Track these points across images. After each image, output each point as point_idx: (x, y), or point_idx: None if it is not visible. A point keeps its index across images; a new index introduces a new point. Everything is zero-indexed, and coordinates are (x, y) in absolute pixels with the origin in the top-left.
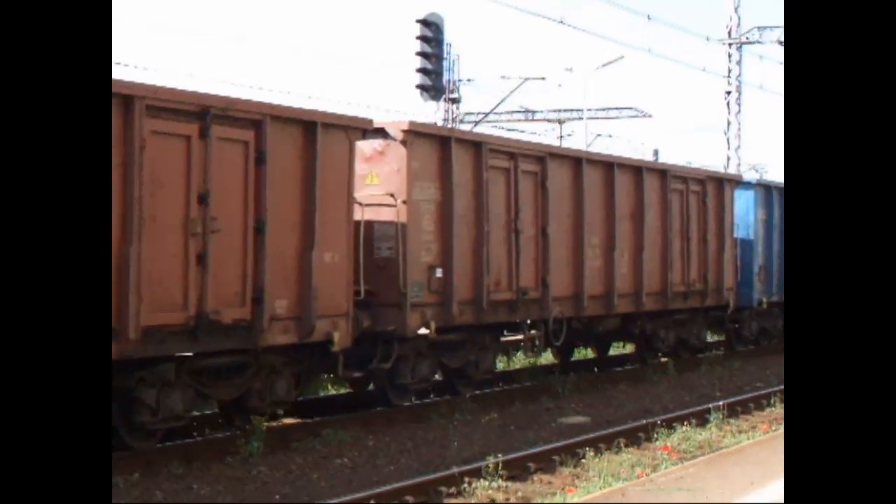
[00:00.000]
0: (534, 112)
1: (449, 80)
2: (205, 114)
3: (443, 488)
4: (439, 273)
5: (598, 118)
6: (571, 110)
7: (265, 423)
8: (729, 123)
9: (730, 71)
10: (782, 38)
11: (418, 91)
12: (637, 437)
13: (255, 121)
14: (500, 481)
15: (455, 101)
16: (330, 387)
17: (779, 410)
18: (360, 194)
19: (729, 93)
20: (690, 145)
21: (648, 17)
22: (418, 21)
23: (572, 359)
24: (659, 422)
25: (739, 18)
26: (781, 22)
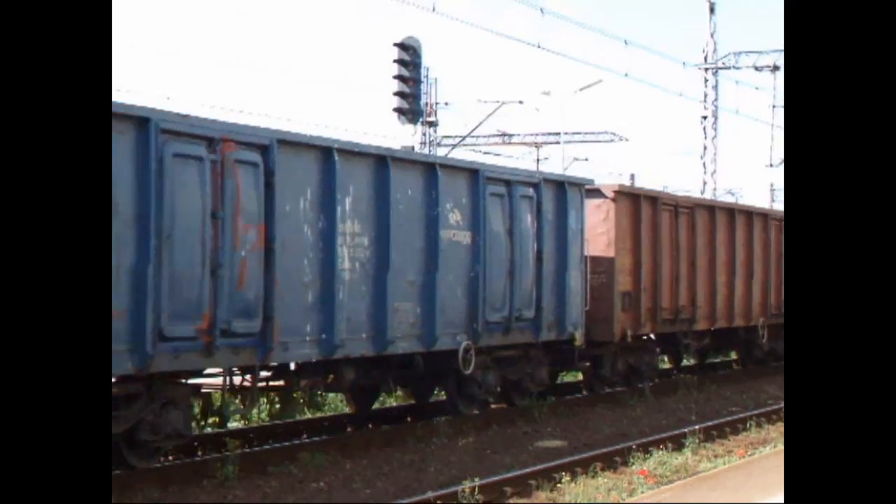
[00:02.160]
0: (511, 136)
1: (426, 104)
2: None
3: None
4: None
5: (575, 141)
6: (549, 134)
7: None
8: (705, 148)
9: (706, 96)
10: (759, 64)
11: (395, 114)
12: (613, 462)
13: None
14: None
15: (432, 124)
16: (307, 410)
17: (755, 435)
18: None
19: (705, 117)
20: (668, 169)
21: (626, 42)
22: (396, 45)
23: None
24: (635, 446)
25: (716, 44)
26: (757, 47)
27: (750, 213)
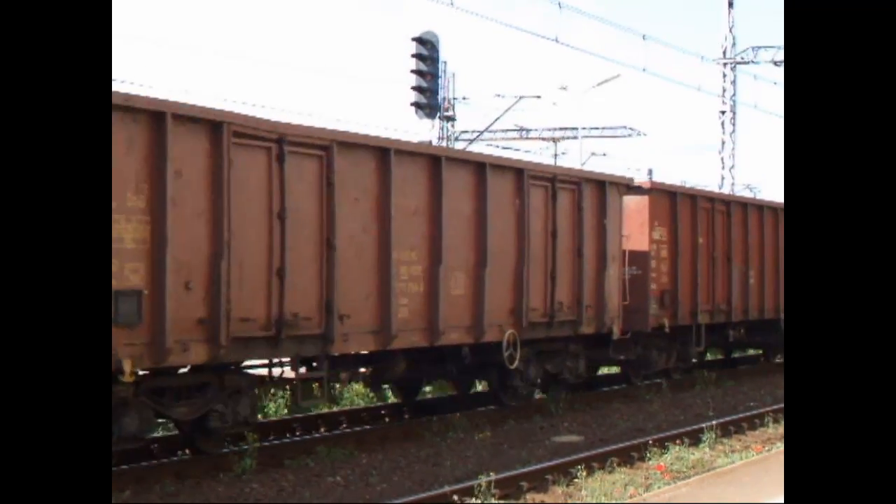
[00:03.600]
0: (529, 130)
1: (444, 98)
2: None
3: None
4: None
5: (592, 136)
6: (566, 129)
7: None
8: (723, 143)
9: (724, 90)
10: (777, 59)
11: (413, 109)
12: (630, 457)
13: None
14: (492, 500)
15: (450, 119)
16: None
17: (772, 430)
18: None
19: (723, 112)
20: (685, 164)
21: (644, 37)
22: (414, 39)
23: None
24: (652, 441)
25: (734, 38)
26: (776, 42)
27: (482, 165)
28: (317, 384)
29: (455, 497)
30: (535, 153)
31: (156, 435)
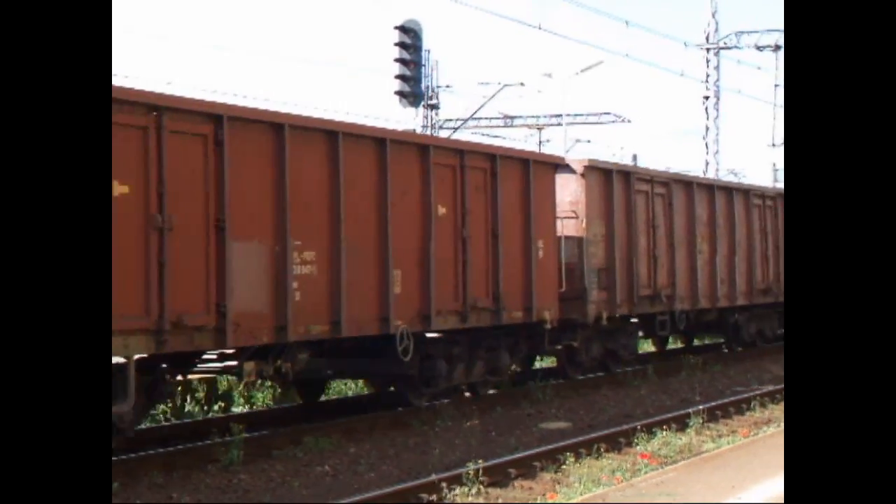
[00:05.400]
0: (513, 118)
1: (427, 87)
2: None
3: (424, 495)
4: None
5: (577, 123)
6: (551, 116)
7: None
8: (707, 128)
9: (708, 76)
10: (760, 43)
11: (397, 97)
12: (617, 443)
13: None
14: (480, 487)
15: (434, 107)
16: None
17: (759, 414)
18: None
19: (707, 98)
20: (669, 150)
21: (627, 23)
22: (396, 27)
23: None
24: (639, 427)
25: (717, 23)
26: (759, 26)
27: None
28: None
29: (444, 484)
30: (521, 141)
31: (143, 427)
